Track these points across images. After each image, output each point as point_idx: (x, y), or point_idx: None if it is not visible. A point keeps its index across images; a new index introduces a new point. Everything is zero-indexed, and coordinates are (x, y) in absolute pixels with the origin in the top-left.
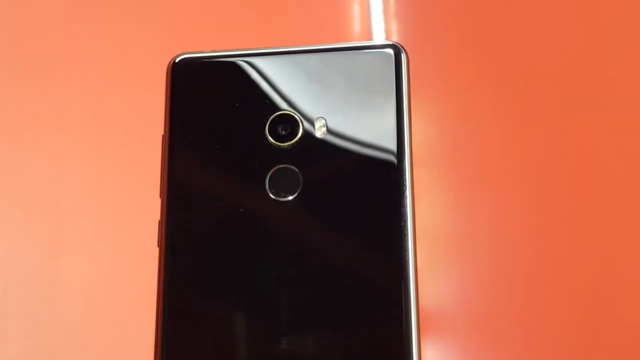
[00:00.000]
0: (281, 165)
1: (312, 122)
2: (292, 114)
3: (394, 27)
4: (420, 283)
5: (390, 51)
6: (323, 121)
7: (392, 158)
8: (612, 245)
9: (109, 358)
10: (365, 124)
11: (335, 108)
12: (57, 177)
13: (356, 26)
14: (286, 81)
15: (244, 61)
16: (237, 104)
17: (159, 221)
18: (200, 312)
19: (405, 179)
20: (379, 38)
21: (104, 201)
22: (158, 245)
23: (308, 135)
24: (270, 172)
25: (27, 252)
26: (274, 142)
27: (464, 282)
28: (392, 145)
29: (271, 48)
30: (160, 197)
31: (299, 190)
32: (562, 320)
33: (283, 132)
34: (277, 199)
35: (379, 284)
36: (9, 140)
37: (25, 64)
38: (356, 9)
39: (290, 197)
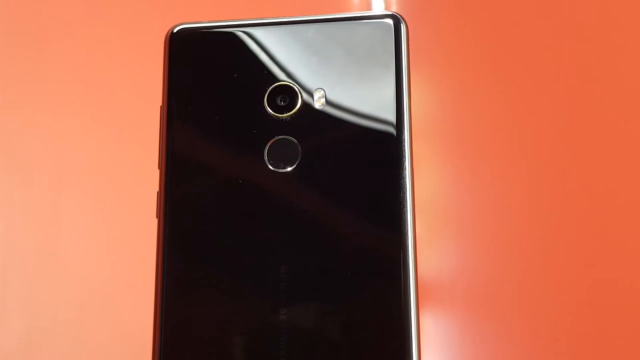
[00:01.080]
0: (280, 137)
1: (311, 93)
2: (291, 85)
3: None
4: (419, 254)
5: (390, 21)
6: (322, 92)
7: (392, 129)
8: (612, 218)
9: (108, 330)
10: (364, 95)
11: (334, 79)
12: (56, 149)
13: None
14: (285, 52)
15: (242, 32)
16: (235, 75)
17: (158, 192)
18: (199, 282)
19: (405, 150)
20: (378, 8)
21: (102, 172)
22: (157, 217)
23: (307, 106)
24: (269, 144)
25: (25, 225)
26: (272, 113)
27: (463, 254)
28: (392, 117)
29: (270, 18)
30: (158, 168)
31: (297, 162)
32: (560, 293)
33: (282, 103)
34: (275, 170)
35: (378, 254)
36: (7, 113)
37: (24, 38)
38: None
39: (289, 169)
